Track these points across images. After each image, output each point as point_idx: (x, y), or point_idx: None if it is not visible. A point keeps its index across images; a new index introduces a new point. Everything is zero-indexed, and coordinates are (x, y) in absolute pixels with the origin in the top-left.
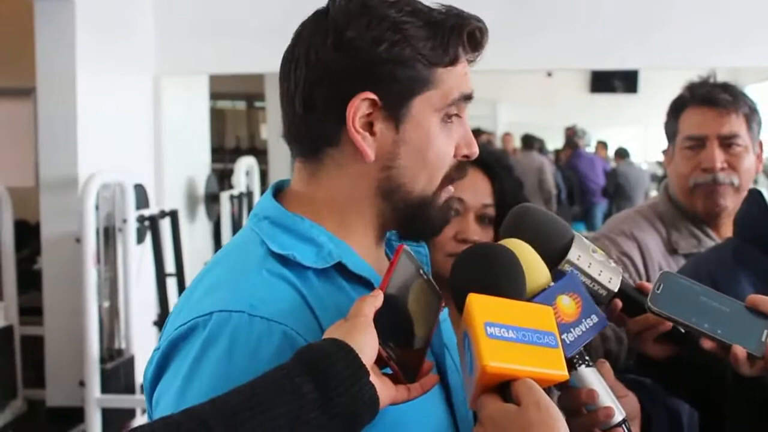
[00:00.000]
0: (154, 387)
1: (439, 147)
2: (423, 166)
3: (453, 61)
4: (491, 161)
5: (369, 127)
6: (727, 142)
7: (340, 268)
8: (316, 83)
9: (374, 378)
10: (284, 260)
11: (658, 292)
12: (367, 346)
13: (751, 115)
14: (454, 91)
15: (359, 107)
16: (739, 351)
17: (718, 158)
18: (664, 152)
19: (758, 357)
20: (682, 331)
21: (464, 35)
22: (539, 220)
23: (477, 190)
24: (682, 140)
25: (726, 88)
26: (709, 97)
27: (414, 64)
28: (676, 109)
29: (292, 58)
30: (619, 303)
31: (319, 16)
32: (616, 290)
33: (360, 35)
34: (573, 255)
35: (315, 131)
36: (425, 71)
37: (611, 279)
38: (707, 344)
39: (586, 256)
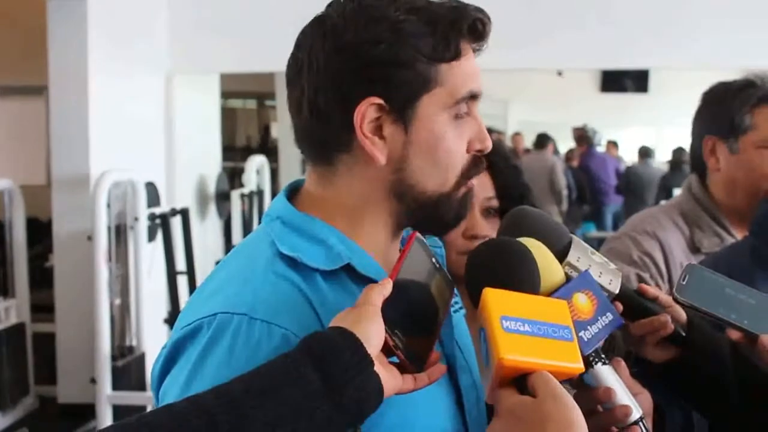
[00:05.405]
0: (160, 384)
1: (449, 145)
2: (434, 166)
3: (455, 56)
4: (488, 153)
5: (378, 131)
6: None
7: (350, 270)
8: (320, 89)
9: (380, 367)
10: (292, 262)
11: (684, 283)
12: (373, 334)
13: None
14: (461, 89)
15: (367, 112)
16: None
17: None
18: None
19: None
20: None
21: (464, 28)
22: (537, 223)
23: (479, 185)
24: (761, 139)
25: None
26: None
27: (415, 63)
28: (745, 103)
29: (296, 64)
30: (619, 306)
31: (317, 20)
32: (616, 292)
33: (358, 37)
34: (572, 257)
35: (324, 137)
36: (428, 70)
37: (611, 281)
38: (734, 335)
39: (585, 258)
